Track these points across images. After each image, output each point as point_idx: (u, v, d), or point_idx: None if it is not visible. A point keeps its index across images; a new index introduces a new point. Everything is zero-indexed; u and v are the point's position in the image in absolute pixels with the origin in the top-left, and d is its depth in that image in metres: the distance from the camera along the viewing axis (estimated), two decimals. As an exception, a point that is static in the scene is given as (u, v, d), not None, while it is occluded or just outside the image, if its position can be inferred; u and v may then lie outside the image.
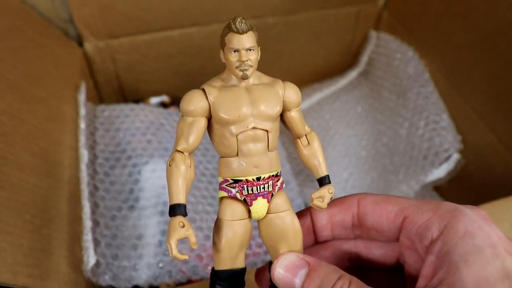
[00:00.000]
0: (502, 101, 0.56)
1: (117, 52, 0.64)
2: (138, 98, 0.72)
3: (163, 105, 0.71)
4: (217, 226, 0.26)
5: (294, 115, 0.28)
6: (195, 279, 0.48)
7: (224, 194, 0.26)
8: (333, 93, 0.79)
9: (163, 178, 0.54)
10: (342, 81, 0.80)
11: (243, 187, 0.26)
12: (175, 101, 0.73)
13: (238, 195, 0.26)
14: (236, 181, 0.26)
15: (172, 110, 0.67)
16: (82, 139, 0.52)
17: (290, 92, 0.27)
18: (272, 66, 0.77)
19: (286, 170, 0.62)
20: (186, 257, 0.23)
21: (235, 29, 0.25)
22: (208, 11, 0.63)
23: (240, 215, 0.26)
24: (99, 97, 0.70)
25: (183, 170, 0.25)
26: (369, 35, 0.79)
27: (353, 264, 0.30)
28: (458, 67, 0.63)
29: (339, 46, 0.80)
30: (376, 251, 0.29)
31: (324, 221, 0.29)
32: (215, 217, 0.57)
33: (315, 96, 0.78)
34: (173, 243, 0.23)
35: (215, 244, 0.26)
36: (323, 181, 0.28)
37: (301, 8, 0.69)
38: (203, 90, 0.26)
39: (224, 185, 0.26)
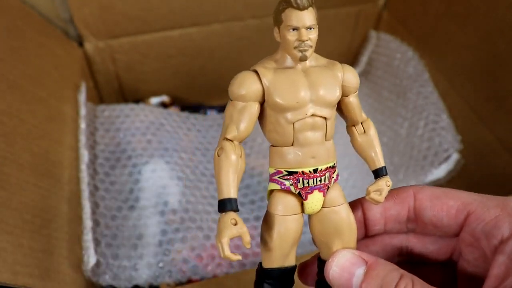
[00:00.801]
0: (502, 101, 0.56)
1: (117, 52, 0.64)
2: (138, 98, 0.72)
3: (163, 105, 0.71)
4: (268, 221, 0.24)
5: (352, 101, 0.26)
6: (195, 279, 0.48)
7: (276, 186, 0.24)
8: (333, 93, 0.79)
9: (163, 178, 0.54)
10: (342, 81, 0.80)
11: (298, 180, 0.24)
12: (175, 101, 0.73)
13: (292, 188, 0.24)
14: (290, 173, 0.24)
15: (172, 110, 0.67)
16: (82, 139, 0.52)
17: (350, 75, 0.25)
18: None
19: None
20: (239, 257, 0.21)
21: (295, 4, 0.23)
22: (208, 11, 0.63)
23: (293, 209, 0.24)
24: (99, 97, 0.70)
25: (234, 160, 0.22)
26: (369, 35, 0.79)
27: (403, 259, 0.29)
28: (458, 67, 0.63)
29: (339, 46, 0.80)
30: (429, 246, 0.28)
31: (377, 215, 0.27)
32: (215, 217, 0.57)
33: (315, 96, 0.78)
34: (225, 242, 0.21)
35: (265, 241, 0.24)
36: (379, 173, 0.26)
37: (301, 8, 0.69)
38: (256, 72, 0.23)
39: (276, 177, 0.24)
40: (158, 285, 0.48)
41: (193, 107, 0.71)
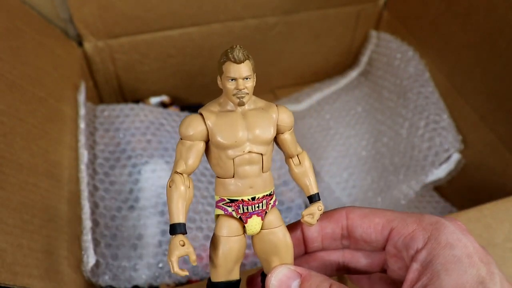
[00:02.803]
0: (503, 101, 0.56)
1: (116, 52, 0.64)
2: (138, 98, 0.72)
3: (163, 105, 0.71)
4: (214, 242, 0.28)
5: (287, 137, 0.29)
6: (195, 279, 0.48)
7: (221, 212, 0.28)
8: (333, 93, 0.79)
9: (163, 178, 0.54)
10: (342, 81, 0.80)
11: (238, 206, 0.27)
12: (175, 101, 0.73)
13: (234, 214, 0.27)
14: (232, 201, 0.27)
15: (172, 110, 0.67)
16: (82, 139, 0.52)
17: (283, 116, 0.28)
18: (272, 66, 0.77)
19: (286, 171, 0.62)
20: (186, 273, 0.24)
21: (232, 59, 0.26)
22: (208, 11, 0.63)
23: (235, 231, 0.27)
24: (99, 97, 0.70)
25: (183, 191, 0.26)
26: (369, 35, 0.79)
27: (340, 273, 0.32)
28: (458, 67, 0.63)
29: (339, 46, 0.80)
30: (362, 260, 0.31)
31: (315, 234, 0.31)
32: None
33: (315, 96, 0.78)
34: (174, 260, 0.24)
35: (212, 259, 0.27)
36: (313, 199, 0.30)
37: (301, 8, 0.69)
38: (201, 114, 0.27)
39: (220, 204, 0.28)
40: (158, 286, 0.48)
41: (193, 107, 0.71)
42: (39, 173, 0.41)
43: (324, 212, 0.30)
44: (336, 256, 0.32)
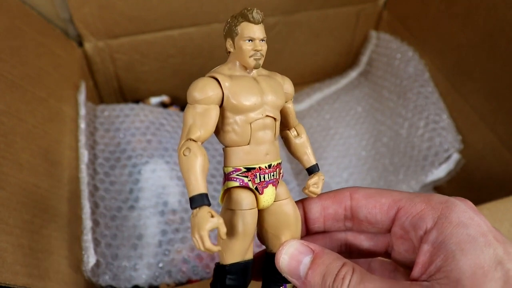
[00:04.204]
0: (503, 101, 0.56)
1: (116, 52, 0.64)
2: (138, 98, 0.72)
3: (163, 105, 0.71)
4: (228, 217, 0.25)
5: (290, 106, 0.29)
6: (195, 279, 0.48)
7: (235, 184, 0.26)
8: (333, 93, 0.79)
9: (163, 178, 0.54)
10: (342, 81, 0.80)
11: (255, 175, 0.26)
12: (175, 101, 0.73)
13: (250, 184, 0.26)
14: (248, 170, 0.26)
15: (172, 110, 0.67)
16: (82, 139, 0.52)
17: (288, 85, 0.29)
18: (272, 66, 0.77)
19: (286, 170, 0.62)
20: (219, 248, 0.22)
21: (251, 19, 0.25)
22: (208, 11, 0.63)
23: (251, 204, 0.26)
24: (99, 97, 0.70)
25: (201, 159, 0.23)
26: (369, 35, 0.79)
27: (343, 256, 0.31)
28: (458, 67, 0.63)
29: (339, 46, 0.80)
30: (366, 243, 0.30)
31: (317, 214, 0.29)
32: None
33: (315, 96, 0.78)
34: (205, 234, 0.22)
35: (226, 238, 0.25)
36: (314, 169, 0.29)
37: (301, 8, 0.69)
38: (214, 78, 0.25)
39: (235, 175, 0.26)
40: (158, 285, 0.48)
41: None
42: (39, 173, 0.41)
43: (326, 192, 0.29)
44: (339, 238, 0.31)
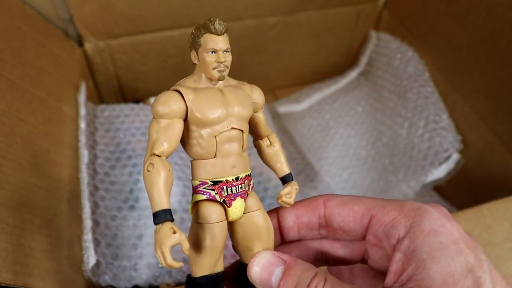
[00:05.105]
0: (502, 101, 0.56)
1: (116, 52, 0.64)
2: (138, 98, 0.72)
3: (163, 105, 0.71)
4: (196, 231, 0.25)
5: (260, 116, 0.29)
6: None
7: (202, 197, 0.26)
8: (333, 93, 0.80)
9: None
10: (342, 81, 0.80)
11: (222, 188, 0.26)
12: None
13: (217, 197, 0.26)
14: (215, 183, 0.26)
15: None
16: (82, 139, 0.52)
17: (257, 94, 0.28)
18: (272, 66, 0.77)
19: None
20: (181, 264, 0.22)
21: (213, 30, 0.25)
22: (208, 11, 0.63)
23: (220, 217, 0.26)
24: (99, 97, 0.70)
25: (164, 174, 0.23)
26: (369, 35, 0.79)
27: (318, 264, 0.31)
28: (458, 67, 0.63)
29: (339, 46, 0.80)
30: (341, 251, 0.30)
31: (291, 223, 0.29)
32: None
33: (315, 96, 0.78)
34: (167, 250, 0.21)
35: (196, 251, 0.25)
36: (287, 179, 0.29)
37: (301, 8, 0.69)
38: (178, 91, 0.25)
39: (201, 188, 0.26)
40: (158, 285, 0.48)
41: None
42: (39, 173, 0.41)
43: (300, 201, 0.29)
44: (314, 246, 0.30)
